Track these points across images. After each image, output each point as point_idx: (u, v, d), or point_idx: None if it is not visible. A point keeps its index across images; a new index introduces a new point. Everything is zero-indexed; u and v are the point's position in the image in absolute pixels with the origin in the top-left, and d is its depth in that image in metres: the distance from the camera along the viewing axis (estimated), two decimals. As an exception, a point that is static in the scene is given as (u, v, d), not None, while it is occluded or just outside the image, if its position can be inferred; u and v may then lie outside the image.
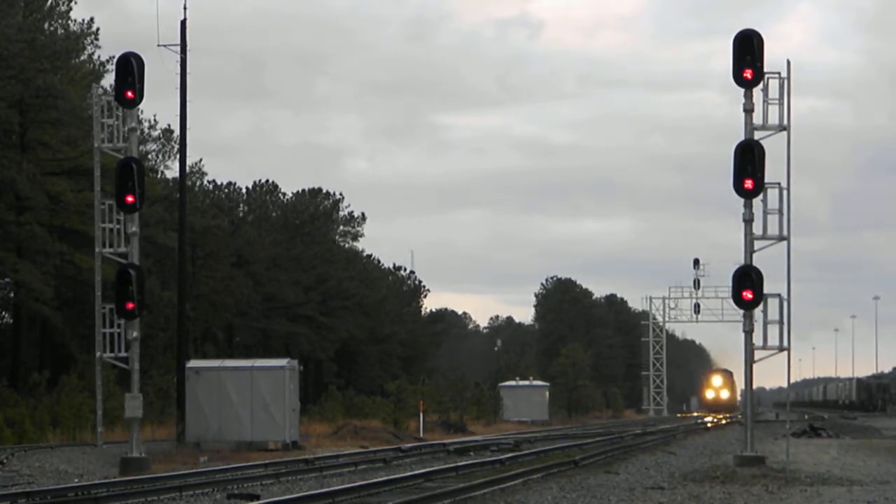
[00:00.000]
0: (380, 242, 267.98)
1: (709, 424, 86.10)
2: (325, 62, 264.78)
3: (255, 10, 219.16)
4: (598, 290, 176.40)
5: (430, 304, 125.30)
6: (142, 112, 62.70)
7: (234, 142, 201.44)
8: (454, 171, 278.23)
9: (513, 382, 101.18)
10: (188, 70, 50.21)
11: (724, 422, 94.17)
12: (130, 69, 36.26)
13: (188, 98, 50.45)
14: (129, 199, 35.96)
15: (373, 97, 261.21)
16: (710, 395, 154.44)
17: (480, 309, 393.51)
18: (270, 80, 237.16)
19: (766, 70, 35.36)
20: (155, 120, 69.44)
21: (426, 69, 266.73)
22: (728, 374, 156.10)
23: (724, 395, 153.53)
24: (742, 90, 35.71)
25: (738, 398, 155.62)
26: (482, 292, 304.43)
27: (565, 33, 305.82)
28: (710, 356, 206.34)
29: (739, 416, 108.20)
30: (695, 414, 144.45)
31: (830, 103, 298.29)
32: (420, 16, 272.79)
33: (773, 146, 35.63)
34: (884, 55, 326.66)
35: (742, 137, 35.65)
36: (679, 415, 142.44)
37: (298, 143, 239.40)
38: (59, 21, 61.37)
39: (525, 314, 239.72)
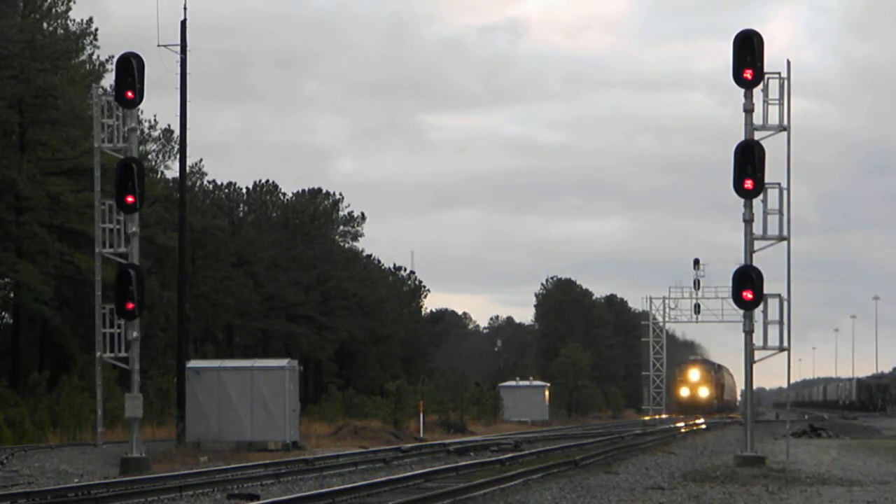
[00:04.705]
0: (374, 243, 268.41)
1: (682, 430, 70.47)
2: (313, 62, 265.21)
3: (241, 10, 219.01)
4: (594, 290, 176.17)
5: (429, 304, 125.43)
6: (142, 112, 62.84)
7: (224, 142, 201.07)
8: (444, 171, 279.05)
9: (513, 382, 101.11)
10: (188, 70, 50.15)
11: (699, 427, 76.34)
12: (130, 69, 36.25)
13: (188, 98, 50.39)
14: (129, 199, 35.96)
15: (360, 98, 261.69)
16: (684, 392, 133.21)
17: (477, 309, 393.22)
18: (256, 81, 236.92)
19: (765, 70, 35.41)
20: (155, 120, 69.62)
21: (413, 70, 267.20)
22: (709, 368, 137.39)
23: (704, 392, 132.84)
24: (738, 90, 35.74)
25: (728, 397, 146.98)
26: (478, 292, 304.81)
27: (550, 35, 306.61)
28: (700, 352, 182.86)
29: (736, 417, 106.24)
30: (650, 417, 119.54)
31: (817, 104, 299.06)
32: (402, 17, 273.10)
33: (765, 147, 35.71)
34: (867, 57, 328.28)
35: (732, 137, 35.74)
36: (645, 416, 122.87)
37: (286, 144, 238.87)
38: (59, 21, 61.41)
39: (523, 314, 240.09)
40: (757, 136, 35.54)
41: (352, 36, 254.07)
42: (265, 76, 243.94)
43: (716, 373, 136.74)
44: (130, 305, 35.92)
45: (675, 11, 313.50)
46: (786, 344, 35.51)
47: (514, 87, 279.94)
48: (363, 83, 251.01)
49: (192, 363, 50.73)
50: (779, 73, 35.37)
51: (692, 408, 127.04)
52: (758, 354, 35.89)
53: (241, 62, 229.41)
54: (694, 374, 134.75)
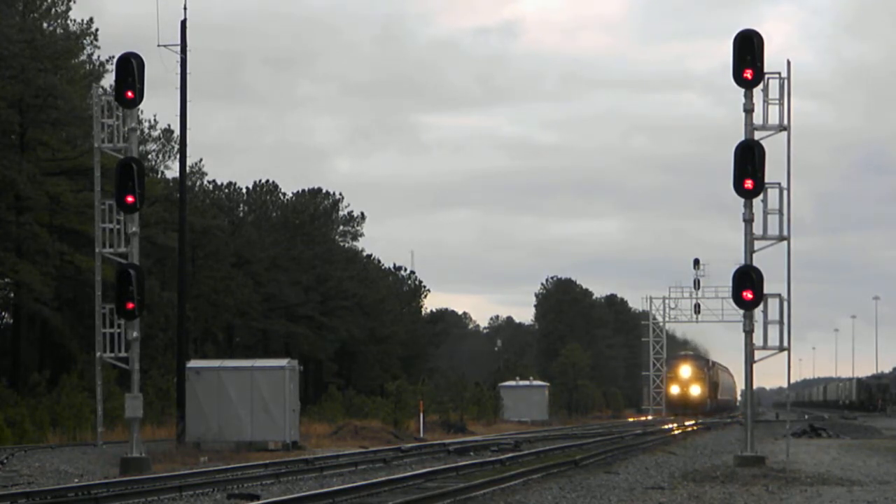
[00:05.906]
0: (373, 243, 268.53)
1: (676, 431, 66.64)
2: (309, 62, 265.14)
3: (237, 10, 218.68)
4: (594, 290, 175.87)
5: (429, 304, 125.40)
6: (142, 112, 62.84)
7: (222, 142, 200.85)
8: (443, 171, 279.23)
9: (513, 382, 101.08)
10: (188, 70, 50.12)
11: (681, 430, 70.36)
12: (130, 69, 36.25)
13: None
14: (129, 199, 35.96)
15: (357, 98, 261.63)
16: (674, 390, 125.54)
17: (477, 309, 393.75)
18: (253, 81, 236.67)
19: (765, 70, 35.42)
20: (155, 120, 69.62)
21: (409, 70, 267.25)
22: (702, 364, 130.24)
23: (696, 391, 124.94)
24: (736, 90, 35.82)
25: (724, 396, 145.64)
26: (477, 292, 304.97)
27: (546, 35, 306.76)
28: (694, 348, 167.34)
29: (738, 417, 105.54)
30: (634, 419, 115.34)
31: (813, 105, 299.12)
32: (398, 18, 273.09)
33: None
34: (862, 57, 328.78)
35: (731, 137, 35.78)
36: (630, 418, 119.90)
37: (283, 144, 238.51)
38: (59, 21, 61.42)
39: (523, 314, 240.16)
40: (757, 135, 35.54)
41: (348, 36, 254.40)
42: (262, 76, 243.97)
43: (709, 370, 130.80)
44: (130, 305, 35.92)
45: (672, 12, 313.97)
46: (786, 344, 35.53)
47: (510, 87, 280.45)
48: (359, 83, 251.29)
49: (192, 363, 50.71)
50: (779, 73, 35.40)
51: (683, 407, 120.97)
52: (758, 354, 35.90)
53: (237, 62, 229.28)
54: (685, 370, 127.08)
